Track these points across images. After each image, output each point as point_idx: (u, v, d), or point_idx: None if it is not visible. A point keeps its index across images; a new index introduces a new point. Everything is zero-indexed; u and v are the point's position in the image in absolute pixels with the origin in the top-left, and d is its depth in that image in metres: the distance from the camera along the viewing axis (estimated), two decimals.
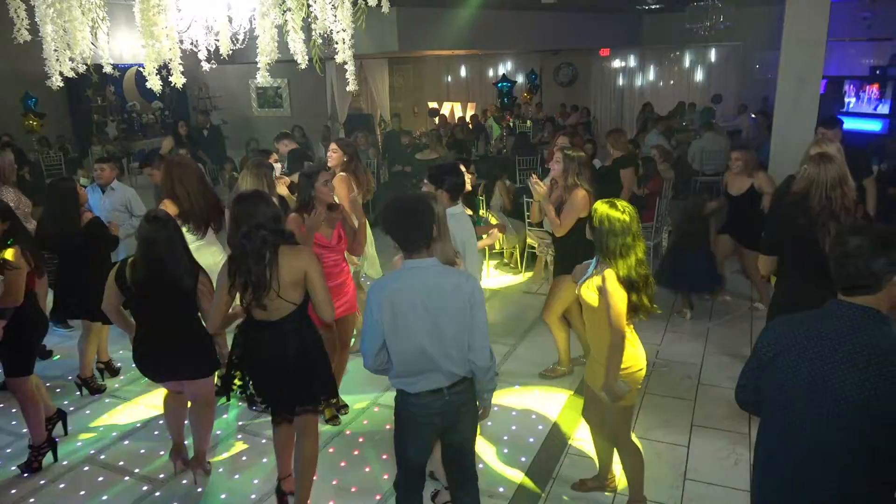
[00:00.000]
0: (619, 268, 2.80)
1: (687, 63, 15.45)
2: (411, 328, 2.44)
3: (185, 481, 3.63)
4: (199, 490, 3.56)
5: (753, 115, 11.65)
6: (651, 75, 15.90)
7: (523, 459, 3.75)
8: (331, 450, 3.87)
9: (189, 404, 3.58)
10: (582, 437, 3.91)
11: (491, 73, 16.57)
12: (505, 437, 3.96)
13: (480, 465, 3.67)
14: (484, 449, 3.82)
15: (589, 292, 2.91)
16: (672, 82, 15.65)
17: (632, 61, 15.92)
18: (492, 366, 2.56)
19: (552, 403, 4.36)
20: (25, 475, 3.71)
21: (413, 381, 2.54)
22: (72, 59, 3.57)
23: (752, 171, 5.28)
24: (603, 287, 2.80)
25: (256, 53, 3.41)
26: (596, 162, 7.98)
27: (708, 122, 10.56)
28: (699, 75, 15.31)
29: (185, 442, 3.72)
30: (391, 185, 9.41)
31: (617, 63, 16.08)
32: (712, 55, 14.92)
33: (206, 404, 3.55)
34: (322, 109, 13.78)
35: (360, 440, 3.97)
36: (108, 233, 4.54)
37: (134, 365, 3.43)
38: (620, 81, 16.15)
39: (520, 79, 15.97)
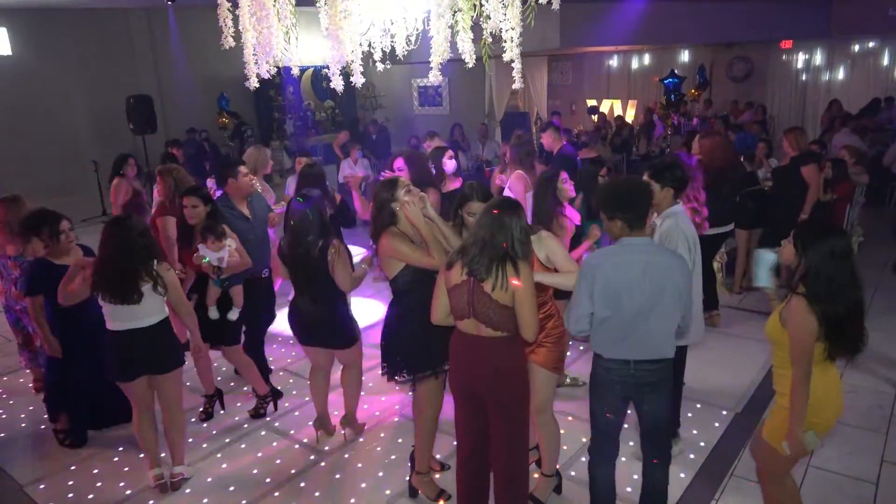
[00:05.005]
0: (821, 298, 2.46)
1: (886, 55, 13.68)
2: (623, 301, 2.67)
3: (361, 439, 3.95)
4: (346, 438, 4.01)
5: None
6: (840, 69, 14.27)
7: (682, 476, 3.57)
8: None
9: (341, 375, 3.98)
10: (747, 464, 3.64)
11: (655, 68, 15.82)
12: None
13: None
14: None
15: (773, 322, 2.62)
16: (867, 77, 13.93)
17: (818, 54, 14.40)
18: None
19: (714, 419, 4.09)
20: (214, 433, 4.20)
21: (610, 346, 2.76)
22: (267, 63, 3.95)
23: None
24: (788, 317, 2.50)
25: (421, 54, 3.54)
26: (772, 161, 7.38)
27: None
28: None
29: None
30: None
31: (800, 56, 14.63)
32: None
33: (353, 366, 3.89)
34: (480, 108, 13.99)
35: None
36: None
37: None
38: (804, 76, 14.68)
39: (687, 72, 15.07)
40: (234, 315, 4.13)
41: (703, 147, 5.20)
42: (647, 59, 15.99)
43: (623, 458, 3.62)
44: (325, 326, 3.70)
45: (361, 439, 4.05)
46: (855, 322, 2.54)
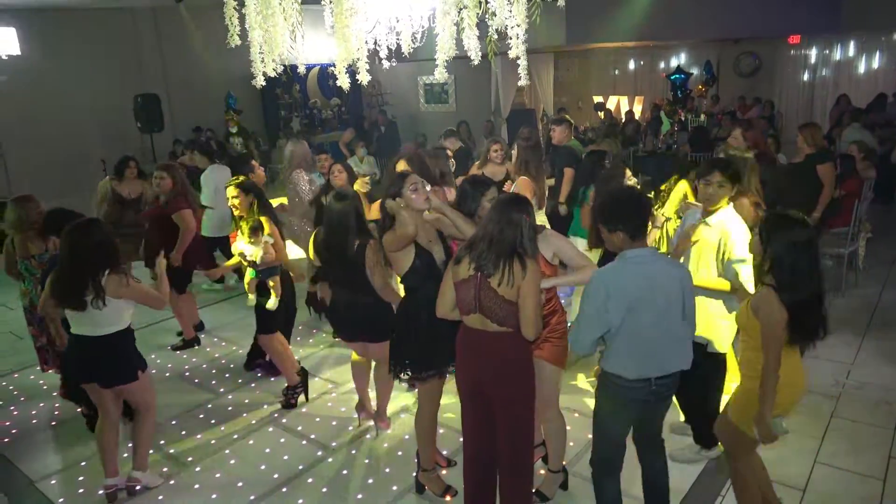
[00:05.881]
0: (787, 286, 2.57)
1: (895, 50, 13.55)
2: (639, 318, 2.59)
3: (368, 435, 4.02)
4: (369, 437, 4.02)
5: None
6: (849, 64, 14.16)
7: (689, 472, 3.56)
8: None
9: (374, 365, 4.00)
10: None
11: (662, 64, 15.76)
12: None
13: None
14: None
15: (741, 310, 2.73)
16: (876, 72, 13.82)
17: (826, 49, 14.30)
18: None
19: None
20: (222, 429, 4.24)
21: (631, 366, 2.66)
22: (273, 61, 3.97)
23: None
24: (759, 306, 2.61)
25: (427, 51, 3.55)
26: (780, 157, 7.33)
27: None
28: None
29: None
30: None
31: (808, 51, 14.53)
32: None
33: (384, 364, 3.79)
34: (486, 105, 13.98)
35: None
36: None
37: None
38: (811, 72, 14.58)
39: (693, 70, 15.00)
40: (271, 304, 4.21)
41: (751, 138, 5.17)
42: (653, 55, 15.92)
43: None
44: (359, 320, 3.71)
45: (368, 436, 4.07)
46: (815, 310, 2.63)
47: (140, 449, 3.63)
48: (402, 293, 3.44)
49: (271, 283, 4.24)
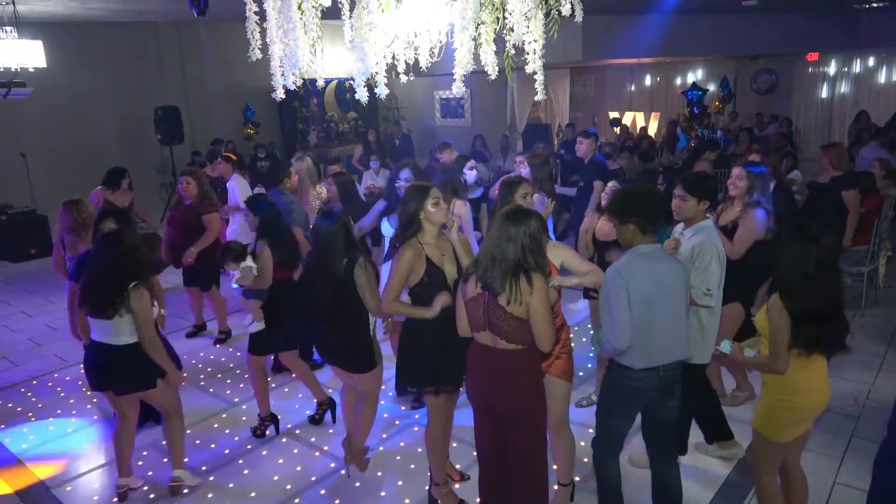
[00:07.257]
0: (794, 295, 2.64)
1: None
2: (652, 310, 2.68)
3: (381, 448, 3.90)
4: (382, 449, 3.95)
5: None
6: (867, 82, 14.07)
7: (706, 490, 3.52)
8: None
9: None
10: None
11: (678, 80, 15.75)
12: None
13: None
14: None
15: (761, 315, 2.79)
16: (895, 89, 13.71)
17: (844, 66, 14.23)
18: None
19: (739, 431, 4.04)
20: (236, 439, 4.25)
21: (637, 357, 2.73)
22: (293, 75, 4.02)
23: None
24: (768, 310, 2.70)
25: (444, 66, 3.57)
26: (795, 174, 7.26)
27: None
28: None
29: None
30: None
31: (826, 68, 14.47)
32: None
33: (366, 399, 3.61)
34: (501, 119, 14.04)
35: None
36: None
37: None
38: (829, 89, 14.50)
39: (711, 86, 14.98)
40: (253, 328, 4.03)
41: (769, 163, 5.14)
42: (669, 71, 15.93)
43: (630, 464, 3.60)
44: (342, 348, 3.52)
45: (381, 448, 4.06)
46: (829, 320, 2.66)
47: (175, 449, 3.68)
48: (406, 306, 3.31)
49: (251, 308, 4.02)
